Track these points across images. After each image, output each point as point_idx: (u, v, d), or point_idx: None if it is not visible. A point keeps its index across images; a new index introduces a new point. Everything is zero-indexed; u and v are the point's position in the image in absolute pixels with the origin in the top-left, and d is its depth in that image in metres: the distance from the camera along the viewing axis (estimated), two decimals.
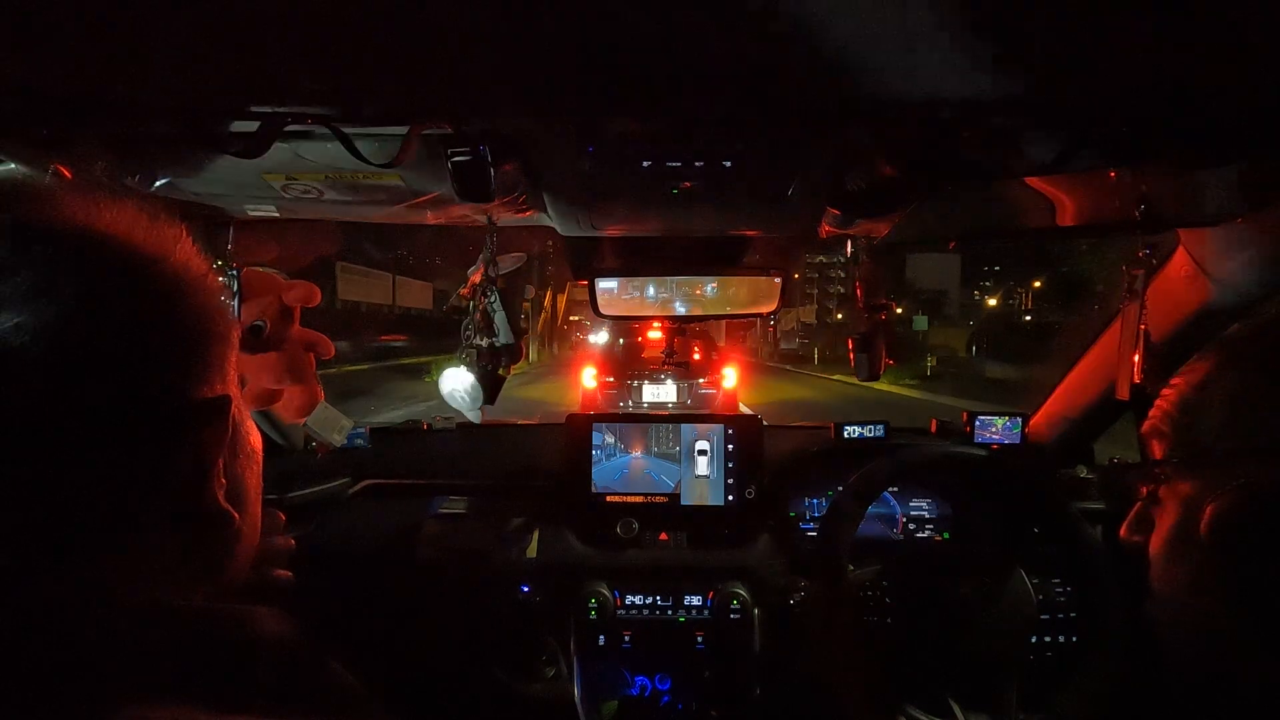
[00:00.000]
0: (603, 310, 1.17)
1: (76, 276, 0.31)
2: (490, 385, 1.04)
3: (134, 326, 0.32)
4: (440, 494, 1.38)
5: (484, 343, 1.00)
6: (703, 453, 1.39)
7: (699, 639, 1.26)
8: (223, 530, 0.38)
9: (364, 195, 0.91)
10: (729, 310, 1.19)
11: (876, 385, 14.65)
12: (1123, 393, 0.89)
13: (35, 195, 0.32)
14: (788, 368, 24.36)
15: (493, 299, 0.98)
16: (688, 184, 0.85)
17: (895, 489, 1.41)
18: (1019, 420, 1.42)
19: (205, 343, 0.36)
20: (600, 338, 9.79)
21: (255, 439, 0.42)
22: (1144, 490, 0.53)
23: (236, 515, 0.38)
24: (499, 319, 0.99)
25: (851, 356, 1.09)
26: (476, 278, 0.99)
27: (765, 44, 0.50)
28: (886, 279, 1.09)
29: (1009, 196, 0.87)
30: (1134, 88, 0.58)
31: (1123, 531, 0.57)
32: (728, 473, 1.38)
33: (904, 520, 1.42)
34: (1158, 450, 0.52)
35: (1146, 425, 0.53)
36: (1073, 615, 1.15)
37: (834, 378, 17.32)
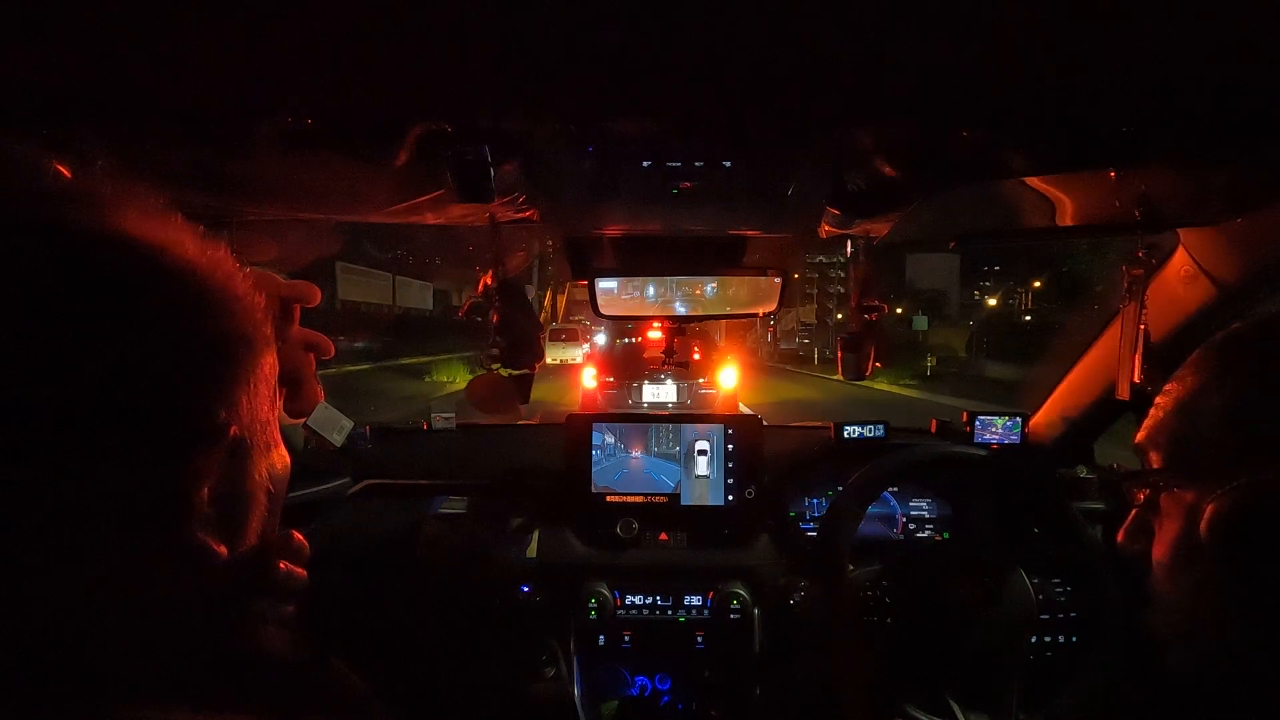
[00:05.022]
0: (603, 310, 1.16)
1: (151, 297, 0.31)
2: (520, 384, 1.04)
3: (195, 349, 0.32)
4: (440, 494, 1.38)
5: (504, 342, 1.00)
6: (703, 453, 1.39)
7: (699, 639, 1.26)
8: (205, 562, 0.33)
9: (364, 195, 0.91)
10: (729, 310, 1.19)
11: (876, 385, 14.68)
12: (1123, 393, 0.89)
13: (122, 214, 0.32)
14: (788, 368, 24.33)
15: (507, 299, 0.98)
16: (688, 184, 0.85)
17: (895, 489, 1.41)
18: (1019, 420, 1.42)
19: (253, 368, 0.35)
20: (599, 339, 9.83)
21: (276, 462, 0.40)
22: (1140, 496, 0.53)
23: (223, 550, 0.33)
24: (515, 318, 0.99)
25: (839, 356, 1.10)
26: (489, 279, 0.99)
27: (765, 44, 0.50)
28: (885, 279, 1.09)
29: (1009, 196, 0.87)
30: (1134, 88, 0.58)
31: (1120, 537, 0.57)
32: (728, 473, 1.38)
33: (904, 520, 1.42)
34: (1155, 458, 0.52)
35: (1142, 434, 0.53)
36: (1073, 615, 1.15)
37: (834, 378, 17.25)
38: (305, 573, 0.41)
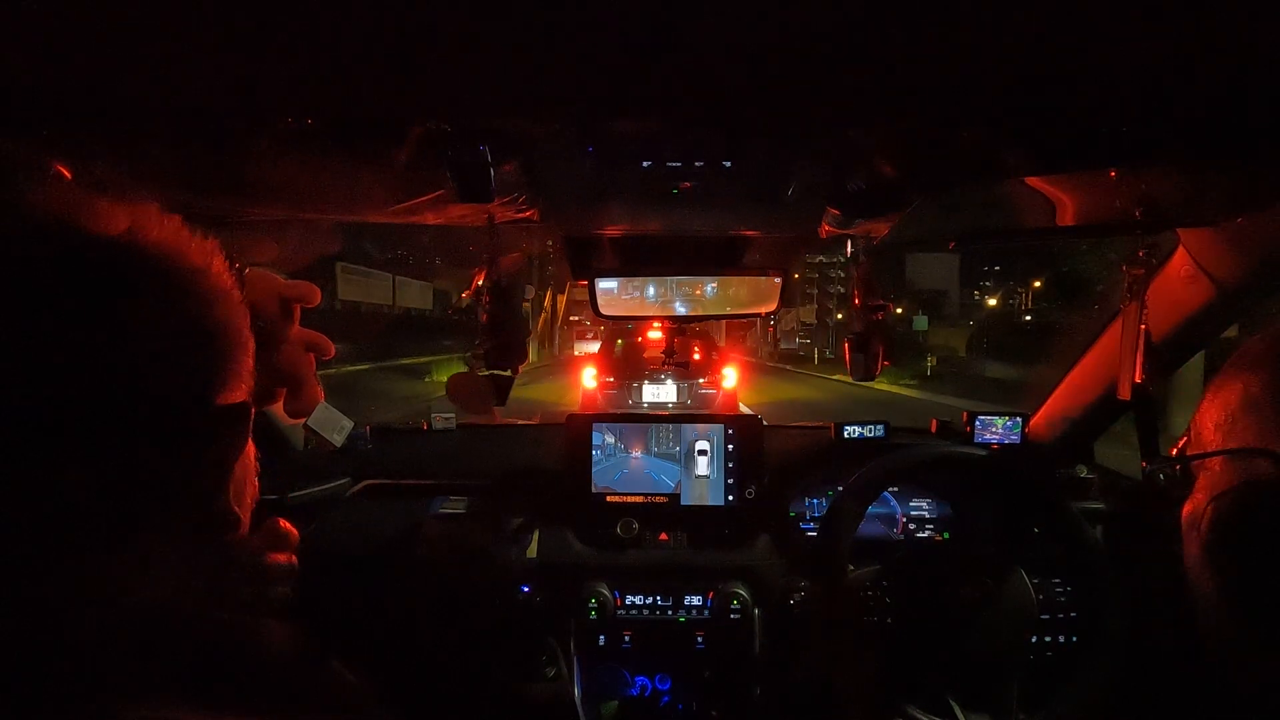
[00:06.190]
0: (603, 310, 1.16)
1: (119, 287, 0.32)
2: (499, 386, 1.04)
3: (170, 335, 0.33)
4: (440, 494, 1.38)
5: (490, 343, 1.00)
6: (703, 453, 1.39)
7: (699, 639, 1.26)
8: (230, 531, 0.38)
9: (364, 195, 0.91)
10: (729, 310, 1.19)
11: (876, 385, 14.67)
12: (1124, 393, 0.89)
13: (82, 205, 0.33)
14: (788, 368, 24.31)
15: (497, 300, 0.98)
16: (688, 184, 0.85)
17: (895, 489, 1.41)
18: (1019, 420, 1.42)
19: (231, 351, 0.37)
20: (596, 346, 9.95)
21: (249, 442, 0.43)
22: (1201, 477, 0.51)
23: (243, 517, 0.38)
24: (503, 319, 0.99)
25: (847, 357, 1.09)
26: (480, 279, 0.99)
27: (765, 44, 0.50)
28: (885, 279, 1.09)
29: (1009, 196, 0.87)
30: (1134, 88, 0.58)
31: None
32: (728, 473, 1.38)
33: (904, 520, 1.42)
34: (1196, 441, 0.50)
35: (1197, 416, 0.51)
36: (1073, 615, 1.15)
37: (834, 378, 17.29)
38: (294, 558, 0.44)
